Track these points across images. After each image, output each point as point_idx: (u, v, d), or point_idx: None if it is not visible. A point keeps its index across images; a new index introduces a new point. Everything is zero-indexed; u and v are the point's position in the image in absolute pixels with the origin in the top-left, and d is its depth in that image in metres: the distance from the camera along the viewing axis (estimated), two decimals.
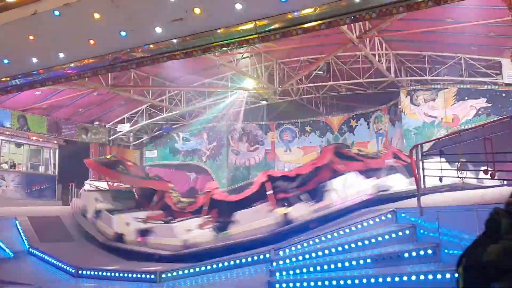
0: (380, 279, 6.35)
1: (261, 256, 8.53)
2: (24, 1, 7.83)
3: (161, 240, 11.78)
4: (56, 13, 7.56)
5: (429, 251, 6.57)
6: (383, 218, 7.95)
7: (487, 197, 6.39)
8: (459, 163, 7.25)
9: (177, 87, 18.53)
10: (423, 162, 7.43)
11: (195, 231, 11.64)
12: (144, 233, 12.31)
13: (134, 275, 9.13)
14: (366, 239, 7.58)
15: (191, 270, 8.73)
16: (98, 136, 20.70)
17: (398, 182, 10.68)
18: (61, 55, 8.45)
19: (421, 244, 6.85)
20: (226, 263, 8.71)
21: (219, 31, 7.29)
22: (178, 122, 21.69)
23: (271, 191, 11.45)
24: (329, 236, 8.19)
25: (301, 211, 10.65)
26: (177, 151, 22.18)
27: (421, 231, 7.11)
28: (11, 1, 7.93)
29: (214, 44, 7.56)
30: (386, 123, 18.43)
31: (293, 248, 8.30)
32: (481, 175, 8.19)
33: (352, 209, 9.59)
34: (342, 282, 6.75)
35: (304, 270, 7.57)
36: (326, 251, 7.82)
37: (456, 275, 1.99)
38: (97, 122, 20.65)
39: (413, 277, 6.13)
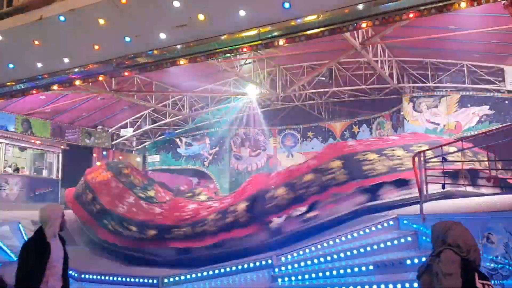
0: (382, 286, 6.34)
1: (263, 262, 8.51)
2: (30, 6, 7.91)
3: None
4: (62, 18, 7.63)
5: None
6: (385, 224, 7.95)
7: (489, 204, 6.39)
8: (462, 170, 7.27)
9: (180, 92, 18.60)
10: (425, 169, 7.44)
11: None
12: None
13: (136, 280, 9.13)
14: (368, 245, 7.57)
15: (193, 275, 8.72)
16: (101, 141, 20.76)
17: None
18: (66, 60, 8.52)
19: (424, 251, 6.83)
20: (228, 269, 8.70)
21: (222, 37, 7.35)
22: (181, 127, 21.76)
23: None
24: (331, 242, 8.18)
25: None
26: (179, 155, 22.24)
27: (424, 238, 7.10)
28: (17, 6, 8.01)
29: (218, 50, 7.62)
30: (388, 129, 18.43)
31: (295, 254, 8.29)
32: (484, 182, 8.22)
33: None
34: None
35: (306, 276, 7.56)
36: (328, 257, 7.81)
37: None
38: (100, 127, 20.72)
39: (415, 284, 6.11)
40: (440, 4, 6.07)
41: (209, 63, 13.44)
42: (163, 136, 22.15)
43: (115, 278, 9.42)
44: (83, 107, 18.29)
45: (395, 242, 7.36)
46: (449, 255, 3.33)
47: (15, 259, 11.41)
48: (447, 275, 3.22)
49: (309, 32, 6.88)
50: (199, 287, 8.45)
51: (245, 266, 8.59)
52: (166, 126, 21.40)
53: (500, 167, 8.83)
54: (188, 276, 8.74)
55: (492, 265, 5.33)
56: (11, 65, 8.92)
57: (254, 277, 8.33)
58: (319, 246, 8.20)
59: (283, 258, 8.29)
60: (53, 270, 4.61)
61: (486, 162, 8.32)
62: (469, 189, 8.11)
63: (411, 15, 6.32)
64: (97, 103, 18.17)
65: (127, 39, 7.75)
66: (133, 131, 20.78)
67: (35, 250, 4.58)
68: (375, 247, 7.46)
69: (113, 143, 21.39)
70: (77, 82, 9.21)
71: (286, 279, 7.70)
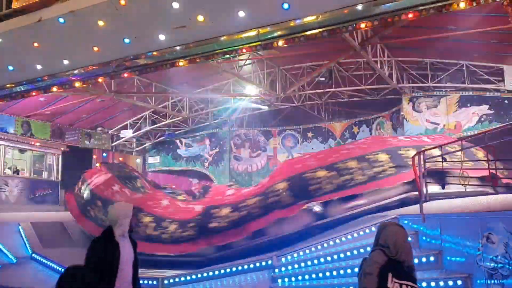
0: None
1: (263, 263, 8.52)
2: (29, 8, 7.91)
3: None
4: (61, 20, 7.63)
5: (432, 258, 6.57)
6: None
7: (489, 204, 6.39)
8: (461, 170, 7.27)
9: (180, 93, 18.60)
10: (425, 169, 7.44)
11: None
12: None
13: None
14: (368, 246, 7.54)
15: (193, 276, 8.73)
16: (101, 142, 20.77)
17: None
18: (66, 62, 8.52)
19: (424, 251, 6.85)
20: (228, 269, 8.71)
21: (222, 38, 7.36)
22: (181, 128, 21.76)
23: None
24: (331, 243, 8.19)
25: None
26: (179, 157, 22.24)
27: (424, 238, 7.11)
28: (16, 8, 8.01)
29: (217, 51, 7.62)
30: (388, 129, 18.44)
31: (295, 255, 8.30)
32: (484, 182, 8.22)
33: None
34: None
35: (307, 276, 7.57)
36: (329, 258, 7.82)
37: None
38: (100, 128, 20.71)
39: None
40: (439, 4, 6.07)
41: (209, 64, 13.46)
42: (163, 138, 22.15)
43: None
44: (83, 108, 18.27)
45: None
46: (374, 256, 3.48)
47: (15, 261, 11.41)
48: (367, 274, 3.40)
49: (308, 32, 6.88)
50: None
51: (245, 267, 8.61)
52: (166, 127, 21.38)
53: (500, 167, 8.84)
54: (188, 277, 8.74)
55: (492, 264, 5.33)
56: (10, 67, 8.93)
57: (254, 278, 8.34)
58: (319, 247, 8.21)
59: (283, 259, 8.30)
60: (120, 273, 4.22)
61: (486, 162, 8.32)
62: (469, 189, 8.10)
63: (410, 15, 6.32)
64: (96, 105, 18.16)
65: (127, 40, 7.76)
66: (133, 132, 20.77)
67: (103, 250, 4.16)
68: None
69: (113, 144, 21.39)
70: (77, 84, 9.20)
71: (286, 279, 7.71)
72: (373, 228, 7.99)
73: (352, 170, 9.30)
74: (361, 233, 8.07)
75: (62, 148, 18.96)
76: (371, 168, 9.21)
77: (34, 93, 9.90)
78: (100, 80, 9.33)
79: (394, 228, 3.56)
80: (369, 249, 7.40)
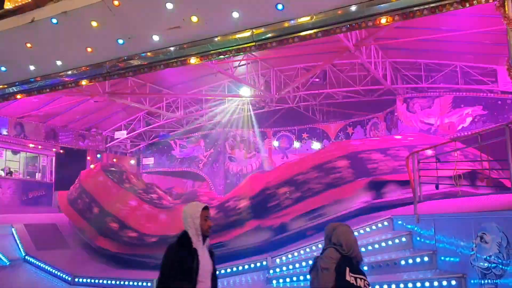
0: (377, 287, 6.35)
1: (258, 264, 8.51)
2: (22, 9, 7.86)
3: None
4: (54, 21, 7.59)
5: (426, 258, 6.58)
6: (379, 225, 7.96)
7: (483, 205, 6.41)
8: (455, 170, 7.28)
9: (174, 94, 18.57)
10: (419, 170, 7.45)
11: None
12: None
13: (131, 283, 9.10)
14: (363, 246, 7.55)
15: None
16: (95, 143, 20.70)
17: None
18: (59, 62, 8.47)
19: (418, 252, 6.86)
20: (223, 271, 8.68)
21: (216, 39, 7.35)
22: (175, 129, 21.71)
23: None
24: None
25: None
26: (174, 158, 22.18)
27: (418, 238, 7.12)
28: (9, 9, 7.96)
29: (211, 52, 7.60)
30: (383, 130, 18.48)
31: (290, 256, 8.29)
32: (478, 182, 8.25)
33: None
34: None
35: (301, 277, 7.56)
36: None
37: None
38: (94, 129, 20.65)
39: (410, 285, 6.13)
40: (432, 5, 6.09)
41: (203, 65, 13.43)
42: (157, 139, 22.08)
43: (109, 282, 9.38)
44: (77, 109, 18.21)
45: (390, 242, 7.37)
46: (329, 253, 3.73)
47: (8, 263, 11.33)
48: (324, 269, 3.65)
49: (302, 33, 6.88)
50: None
51: (240, 268, 8.60)
52: (160, 128, 21.34)
53: (493, 167, 8.87)
54: None
55: (486, 264, 5.34)
56: (3, 68, 8.87)
57: (249, 279, 8.33)
58: (313, 247, 8.20)
59: (278, 260, 8.29)
60: (199, 285, 3.60)
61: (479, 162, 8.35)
62: (463, 189, 8.13)
63: (403, 16, 6.33)
64: (90, 106, 18.10)
65: (120, 41, 7.73)
66: (127, 133, 20.72)
67: (180, 257, 3.59)
68: (369, 247, 7.46)
69: (107, 145, 21.32)
70: (70, 85, 9.16)
71: (281, 280, 7.69)
72: (368, 229, 8.01)
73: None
74: (356, 233, 8.02)
75: (56, 150, 18.88)
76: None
77: (27, 94, 9.82)
78: (93, 81, 9.29)
79: (344, 228, 3.88)
80: (363, 249, 7.44)
